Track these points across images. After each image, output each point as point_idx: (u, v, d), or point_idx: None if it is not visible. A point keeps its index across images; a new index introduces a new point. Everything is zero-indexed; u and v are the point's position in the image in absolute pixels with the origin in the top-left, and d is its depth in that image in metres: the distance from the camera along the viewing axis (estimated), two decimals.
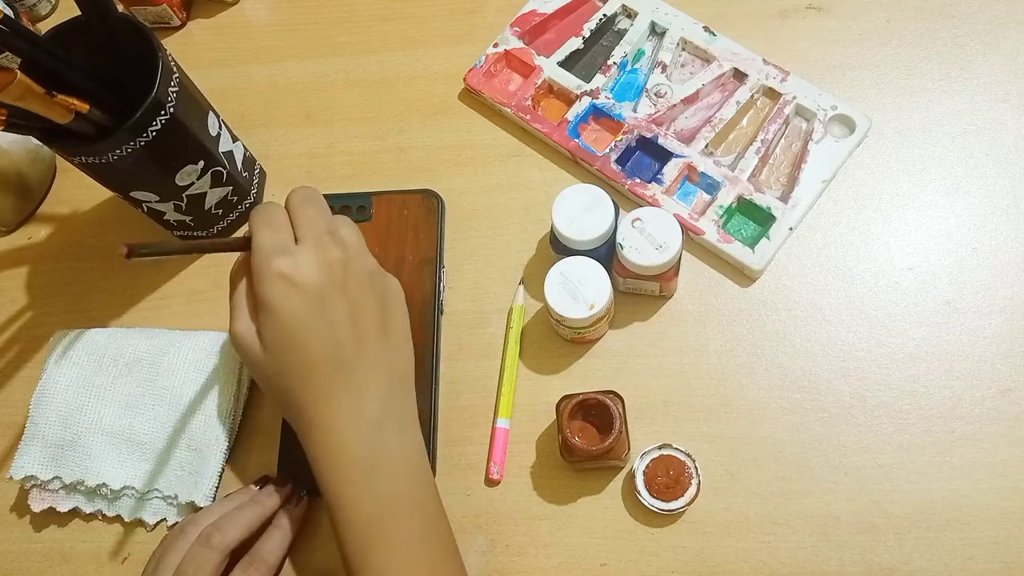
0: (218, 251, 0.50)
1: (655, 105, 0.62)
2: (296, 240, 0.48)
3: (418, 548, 0.46)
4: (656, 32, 0.65)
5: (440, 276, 0.60)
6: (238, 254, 0.50)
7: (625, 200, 0.61)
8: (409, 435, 0.49)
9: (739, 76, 0.63)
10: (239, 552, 0.50)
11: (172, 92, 0.53)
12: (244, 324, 0.47)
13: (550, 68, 0.64)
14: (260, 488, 0.53)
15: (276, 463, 0.56)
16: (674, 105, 0.62)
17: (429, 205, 0.62)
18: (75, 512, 0.57)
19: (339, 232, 0.49)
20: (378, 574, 0.45)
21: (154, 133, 0.52)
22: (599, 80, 0.63)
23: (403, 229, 0.61)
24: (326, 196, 0.62)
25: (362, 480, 0.46)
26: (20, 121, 0.50)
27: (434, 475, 0.55)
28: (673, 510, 0.51)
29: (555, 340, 0.58)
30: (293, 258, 0.46)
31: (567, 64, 0.65)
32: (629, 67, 0.64)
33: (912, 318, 0.56)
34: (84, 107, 0.51)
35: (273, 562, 0.51)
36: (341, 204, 0.62)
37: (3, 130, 0.49)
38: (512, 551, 0.53)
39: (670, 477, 0.52)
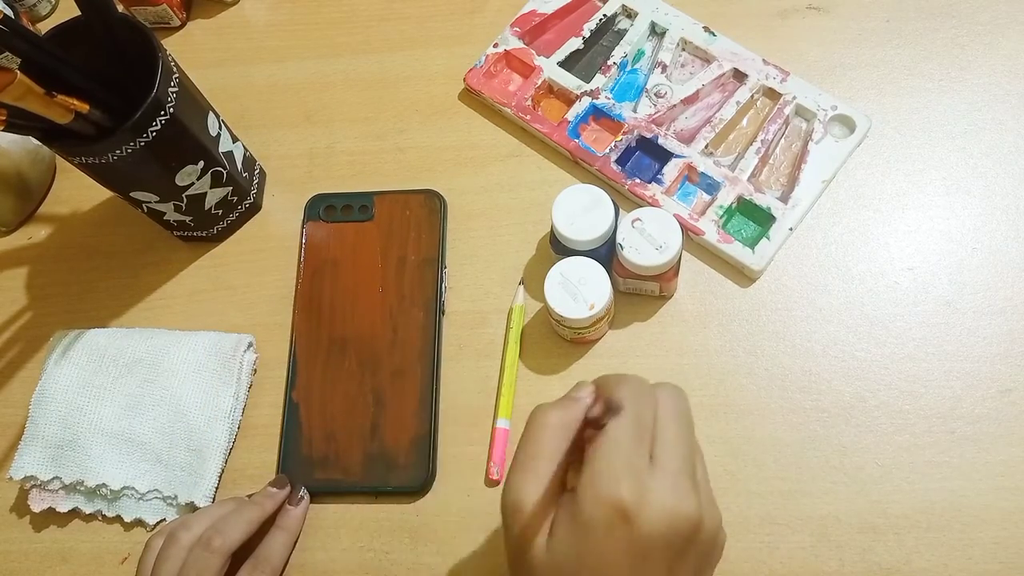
0: (567, 417, 0.39)
1: (655, 105, 0.62)
2: (652, 458, 0.38)
3: None
4: (656, 32, 0.65)
5: (442, 276, 0.60)
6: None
7: (625, 200, 0.61)
8: None
9: (739, 76, 0.63)
10: (238, 554, 0.50)
11: (172, 92, 0.53)
12: (537, 497, 0.38)
13: (550, 68, 0.64)
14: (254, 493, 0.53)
15: (276, 463, 0.56)
16: (674, 105, 0.62)
17: (431, 205, 0.62)
18: (75, 512, 0.57)
19: (698, 476, 0.39)
20: None
21: (154, 133, 0.52)
22: (599, 80, 0.63)
23: (405, 229, 0.61)
24: (328, 195, 0.63)
25: None
26: (20, 121, 0.49)
27: (434, 476, 0.55)
28: None
29: (555, 340, 0.58)
30: (644, 489, 0.36)
31: (567, 64, 0.65)
32: (629, 67, 0.64)
33: (912, 318, 0.56)
34: (84, 107, 0.51)
35: (277, 563, 0.51)
36: (343, 204, 0.62)
37: (3, 130, 0.49)
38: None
39: None
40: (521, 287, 0.59)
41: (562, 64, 0.64)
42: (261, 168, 0.66)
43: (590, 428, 0.39)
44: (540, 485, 0.38)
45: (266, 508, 0.52)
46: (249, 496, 0.54)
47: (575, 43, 0.65)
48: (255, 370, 0.60)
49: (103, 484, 0.55)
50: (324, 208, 0.62)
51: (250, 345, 0.59)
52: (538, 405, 0.40)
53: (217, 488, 0.56)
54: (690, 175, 0.60)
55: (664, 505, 0.36)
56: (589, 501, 0.36)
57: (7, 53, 0.50)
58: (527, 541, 0.38)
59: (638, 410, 0.39)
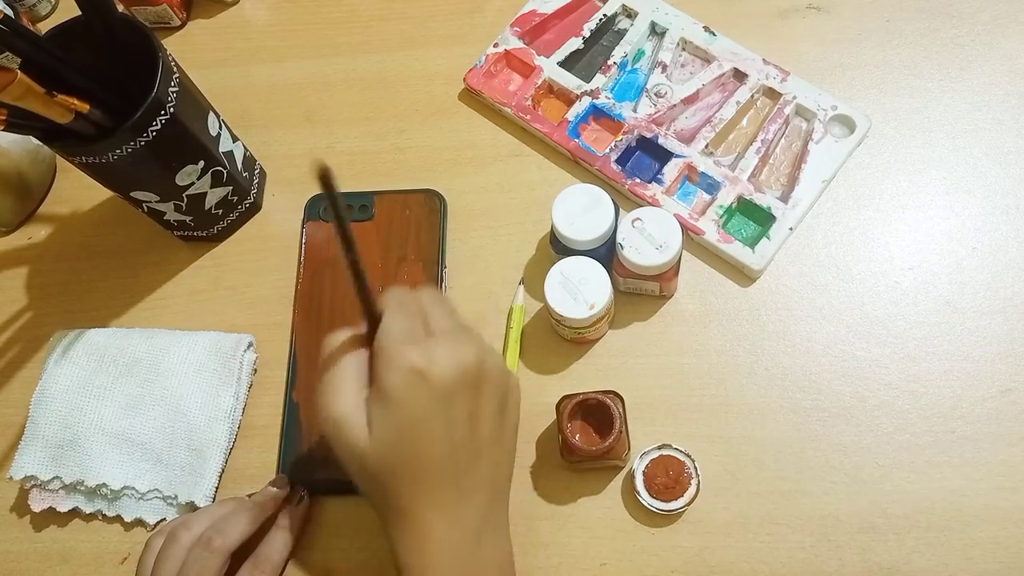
0: (362, 294, 0.44)
1: (655, 105, 0.62)
2: (428, 331, 0.45)
3: None
4: (656, 32, 0.65)
5: (442, 276, 0.60)
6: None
7: (625, 200, 0.61)
8: (504, 543, 0.46)
9: (739, 76, 0.63)
10: (238, 554, 0.50)
11: (172, 92, 0.53)
12: (351, 405, 0.43)
13: (550, 68, 0.64)
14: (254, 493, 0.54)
15: (276, 463, 0.56)
16: (674, 105, 0.62)
17: (431, 205, 0.62)
18: (75, 512, 0.57)
19: (471, 330, 0.46)
20: None
21: (154, 133, 0.52)
22: (599, 80, 0.63)
23: (405, 229, 0.61)
24: (323, 196, 0.63)
25: None
26: (20, 121, 0.49)
27: None
28: (673, 510, 0.51)
29: (555, 340, 0.58)
30: (429, 351, 0.42)
31: (567, 64, 0.65)
32: (629, 67, 0.64)
33: (912, 318, 0.56)
34: (84, 107, 0.51)
35: (277, 563, 0.51)
36: (344, 204, 0.62)
37: (3, 130, 0.49)
38: (514, 550, 0.53)
39: (670, 477, 0.52)
40: (521, 287, 0.59)
41: (562, 64, 0.64)
42: (261, 168, 0.66)
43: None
44: (350, 395, 0.43)
45: (266, 508, 0.52)
46: (249, 496, 0.54)
47: (575, 43, 0.65)
48: (255, 370, 0.60)
49: (103, 484, 0.55)
50: (324, 208, 0.62)
51: (250, 345, 0.59)
52: (328, 335, 0.45)
53: (217, 488, 0.56)
54: (690, 175, 0.60)
55: (448, 354, 0.43)
56: (386, 377, 0.42)
57: (7, 53, 0.50)
58: (354, 443, 0.43)
59: (401, 300, 0.45)
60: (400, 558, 0.44)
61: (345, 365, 0.44)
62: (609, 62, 0.64)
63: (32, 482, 0.56)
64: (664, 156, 0.61)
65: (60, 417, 0.56)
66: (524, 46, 0.65)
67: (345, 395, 0.43)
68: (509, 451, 0.47)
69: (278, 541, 0.52)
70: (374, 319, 0.44)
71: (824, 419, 0.54)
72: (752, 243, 0.58)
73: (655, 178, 0.60)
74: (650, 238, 0.53)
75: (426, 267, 0.60)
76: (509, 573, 0.46)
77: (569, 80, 0.64)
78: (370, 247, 0.61)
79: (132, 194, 0.57)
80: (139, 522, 0.56)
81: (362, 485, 0.45)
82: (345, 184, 0.64)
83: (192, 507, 0.55)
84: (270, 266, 0.63)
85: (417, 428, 0.42)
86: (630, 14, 0.66)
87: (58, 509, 0.56)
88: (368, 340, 0.45)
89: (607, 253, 0.56)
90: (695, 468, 0.52)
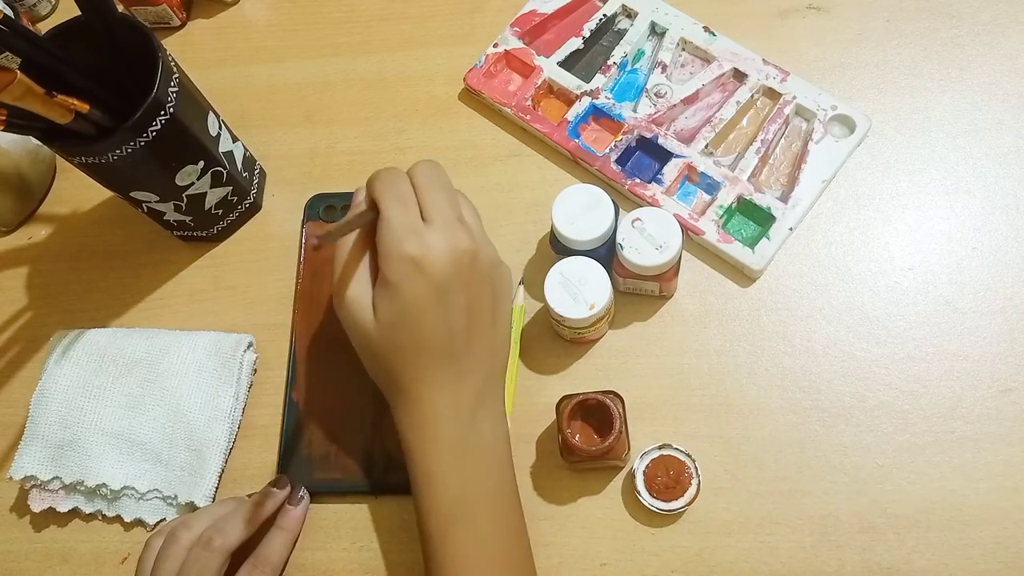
0: (352, 229, 0.49)
1: (655, 105, 0.62)
2: (424, 219, 0.47)
3: (497, 526, 0.48)
4: (656, 32, 0.65)
5: None
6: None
7: (625, 200, 0.61)
8: (499, 424, 0.50)
9: (739, 76, 0.63)
10: (238, 554, 0.50)
11: (172, 92, 0.53)
12: (360, 289, 0.48)
13: (550, 68, 0.64)
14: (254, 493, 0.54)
15: (276, 463, 0.56)
16: (674, 105, 0.62)
17: None
18: (75, 512, 0.57)
19: (465, 218, 0.49)
20: (458, 546, 0.46)
21: (154, 133, 0.52)
22: (599, 80, 0.63)
23: None
24: (328, 195, 0.63)
25: (453, 463, 0.47)
26: (20, 121, 0.49)
27: None
28: (673, 510, 0.51)
29: (555, 340, 0.58)
30: (424, 243, 0.46)
31: (567, 64, 0.65)
32: (629, 67, 0.64)
33: (912, 318, 0.56)
34: (84, 107, 0.51)
35: (277, 563, 0.51)
36: (343, 204, 0.62)
37: (3, 130, 0.49)
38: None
39: (670, 477, 0.52)
40: (521, 287, 0.59)
41: (562, 64, 0.64)
42: (261, 168, 0.66)
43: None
44: (357, 281, 0.48)
45: (266, 508, 0.52)
46: (249, 496, 0.54)
47: (575, 43, 0.65)
48: (255, 370, 0.60)
49: (103, 484, 0.55)
50: (324, 208, 0.62)
51: (250, 345, 0.59)
52: (332, 235, 0.48)
53: (217, 488, 0.56)
54: (690, 175, 0.60)
55: (443, 246, 0.46)
56: (387, 268, 0.46)
57: (7, 53, 0.50)
58: (364, 323, 0.48)
59: (396, 191, 0.47)
60: (403, 434, 0.48)
61: (354, 257, 0.48)
62: (609, 62, 0.64)
63: (32, 482, 0.56)
64: (664, 156, 0.61)
65: (60, 417, 0.56)
66: (524, 46, 0.65)
67: (355, 281, 0.48)
68: (503, 338, 0.51)
69: (278, 541, 0.52)
70: (372, 205, 0.48)
71: (824, 419, 0.54)
72: (752, 243, 0.58)
73: (655, 178, 0.60)
74: (650, 238, 0.53)
75: None
76: (504, 451, 0.50)
77: (569, 80, 0.64)
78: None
79: (132, 194, 0.57)
80: (139, 522, 0.56)
81: (370, 365, 0.50)
82: (345, 184, 0.64)
83: (192, 507, 0.55)
84: (270, 266, 0.63)
85: (416, 312, 0.46)
86: (630, 14, 0.66)
87: (58, 509, 0.56)
88: (373, 235, 0.48)
89: (607, 253, 0.56)
90: (695, 468, 0.52)
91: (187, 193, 0.58)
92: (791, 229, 0.58)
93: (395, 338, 0.47)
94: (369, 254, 0.49)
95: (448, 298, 0.47)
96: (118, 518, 0.56)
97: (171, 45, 0.71)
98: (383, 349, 0.48)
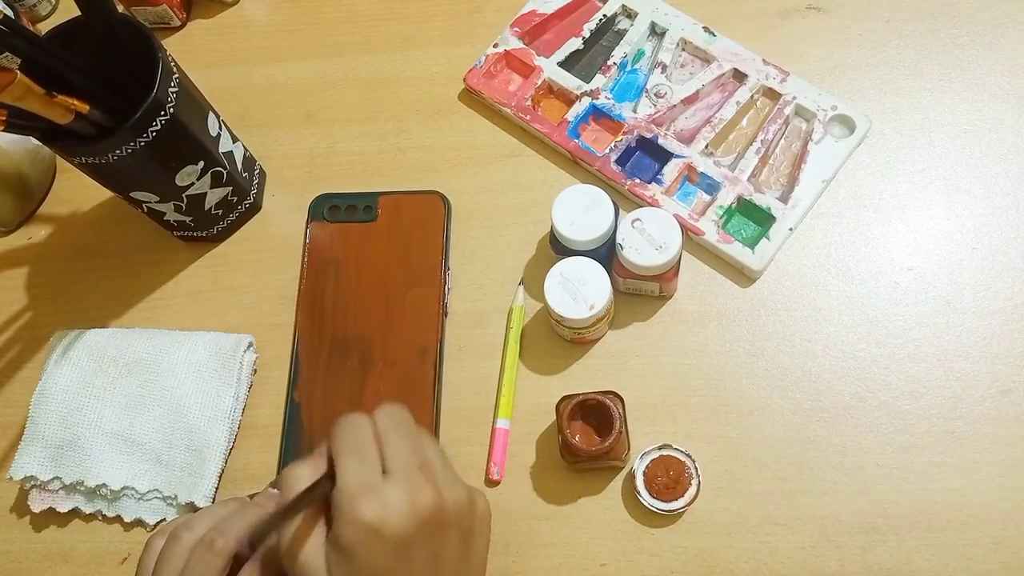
0: (305, 507, 0.43)
1: (655, 105, 0.62)
2: (384, 468, 0.43)
3: None
4: (656, 32, 0.65)
5: (446, 279, 0.60)
6: None
7: (625, 200, 0.61)
8: None
9: (739, 76, 0.63)
10: (238, 555, 0.50)
11: (172, 92, 0.53)
12: (312, 550, 0.42)
13: (550, 68, 0.64)
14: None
15: (276, 463, 0.56)
16: (674, 105, 0.62)
17: (436, 206, 0.61)
18: (75, 512, 0.57)
19: (428, 461, 0.44)
20: None
21: (154, 133, 0.52)
22: (599, 80, 0.63)
23: (409, 230, 0.61)
24: (332, 195, 0.63)
25: None
26: (20, 121, 0.49)
27: None
28: (673, 510, 0.51)
29: (555, 340, 0.58)
30: (381, 502, 0.41)
31: (567, 64, 0.65)
32: (629, 67, 0.64)
33: (912, 318, 0.56)
34: (84, 107, 0.51)
35: (280, 564, 0.51)
36: (347, 204, 0.62)
37: (3, 130, 0.49)
38: (512, 551, 0.53)
39: (670, 477, 0.52)
40: (521, 287, 0.59)
41: (562, 64, 0.64)
42: (261, 168, 0.66)
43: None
44: (314, 544, 0.42)
45: (267, 509, 0.52)
46: (250, 496, 0.54)
47: (575, 43, 0.65)
48: (255, 370, 0.60)
49: (103, 484, 0.55)
50: (328, 208, 0.62)
51: (250, 345, 0.59)
52: (288, 466, 0.44)
53: (217, 488, 0.56)
54: (690, 175, 0.60)
55: (402, 505, 0.41)
56: (341, 531, 0.41)
57: (7, 53, 0.50)
58: (313, 571, 0.42)
59: (353, 440, 0.43)
60: None
61: (305, 508, 0.43)
62: (609, 62, 0.64)
63: (32, 482, 0.56)
64: (664, 156, 0.61)
65: (60, 417, 0.56)
66: (524, 46, 0.65)
67: (307, 540, 0.43)
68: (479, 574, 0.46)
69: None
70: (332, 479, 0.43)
71: (824, 419, 0.54)
72: (752, 243, 0.58)
73: (655, 178, 0.60)
74: (650, 238, 0.53)
75: (430, 269, 0.60)
76: None
77: (569, 80, 0.64)
78: (374, 248, 0.61)
79: (132, 194, 0.57)
80: (139, 522, 0.56)
81: None
82: (345, 184, 0.64)
83: (192, 507, 0.55)
84: (270, 266, 0.63)
85: None
86: (630, 14, 0.66)
87: (58, 509, 0.56)
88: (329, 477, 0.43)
89: (607, 253, 0.56)
90: (695, 468, 0.52)
91: (187, 193, 0.58)
92: (791, 229, 0.58)
93: None
94: (322, 507, 0.43)
95: (409, 554, 0.41)
96: (118, 518, 0.56)
97: (171, 45, 0.71)
98: None
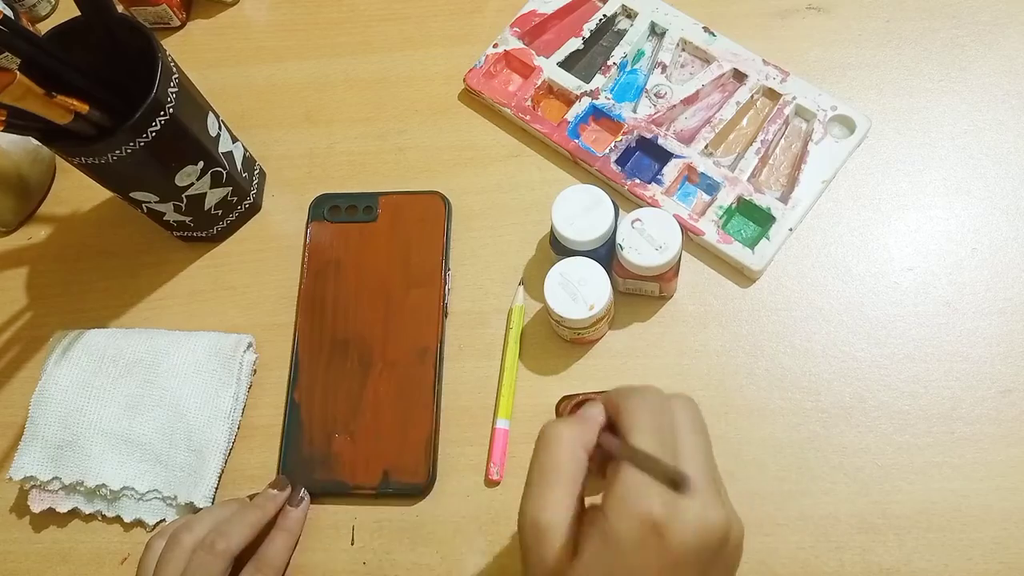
0: (627, 458, 0.37)
1: (655, 105, 0.62)
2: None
3: None
4: (656, 32, 0.65)
5: (446, 279, 0.59)
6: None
7: (625, 200, 0.61)
8: None
9: (739, 76, 0.63)
10: (240, 555, 0.50)
11: (172, 92, 0.53)
12: (559, 517, 0.37)
13: (550, 68, 0.64)
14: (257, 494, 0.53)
15: (276, 463, 0.56)
16: (674, 106, 0.62)
17: (437, 207, 0.61)
18: (74, 512, 0.57)
19: (720, 482, 0.40)
20: None
21: (154, 134, 0.52)
22: (599, 80, 0.63)
23: (410, 231, 0.61)
24: (332, 195, 0.63)
25: None
26: (20, 122, 0.50)
27: (434, 476, 0.55)
28: None
29: (555, 340, 0.58)
30: (674, 505, 0.36)
31: (567, 64, 0.65)
32: (629, 67, 0.64)
33: (912, 319, 0.56)
34: (84, 108, 0.51)
35: (279, 565, 0.51)
36: (347, 204, 0.62)
37: (3, 130, 0.49)
38: (512, 551, 0.53)
39: None
40: (521, 287, 0.59)
41: (562, 64, 0.64)
42: (261, 168, 0.66)
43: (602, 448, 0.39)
44: (562, 504, 0.37)
45: (267, 510, 0.52)
46: (250, 497, 0.54)
47: (575, 43, 0.65)
48: (255, 370, 0.60)
49: (103, 484, 0.55)
50: (328, 208, 0.62)
51: (250, 345, 0.59)
52: (548, 423, 0.39)
53: (217, 488, 0.56)
54: (690, 175, 0.60)
55: (694, 518, 0.36)
56: (619, 518, 0.36)
57: (7, 53, 0.50)
58: (554, 562, 0.37)
59: (657, 423, 0.38)
60: None
61: (563, 466, 0.38)
62: (609, 62, 0.64)
63: (32, 482, 0.56)
64: (664, 157, 0.61)
65: (60, 418, 0.56)
66: (524, 46, 0.65)
67: (555, 502, 0.38)
68: None
69: (279, 542, 0.52)
70: (615, 426, 0.39)
71: (824, 420, 0.54)
72: (752, 244, 0.58)
73: (655, 179, 0.60)
74: (650, 239, 0.53)
75: (431, 270, 0.60)
76: None
77: (569, 80, 0.64)
78: (374, 248, 0.61)
79: (132, 195, 0.57)
80: (138, 523, 0.56)
81: None
82: (345, 184, 0.64)
83: (192, 508, 0.55)
84: (270, 266, 0.63)
85: None
86: (630, 14, 0.66)
87: (57, 510, 0.56)
88: (594, 443, 0.39)
89: (607, 254, 0.55)
90: None
91: (187, 193, 0.58)
92: (791, 230, 0.58)
93: None
94: (576, 470, 0.39)
95: (679, 572, 0.36)
96: (118, 518, 0.56)
97: (171, 45, 0.71)
98: None
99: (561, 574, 0.37)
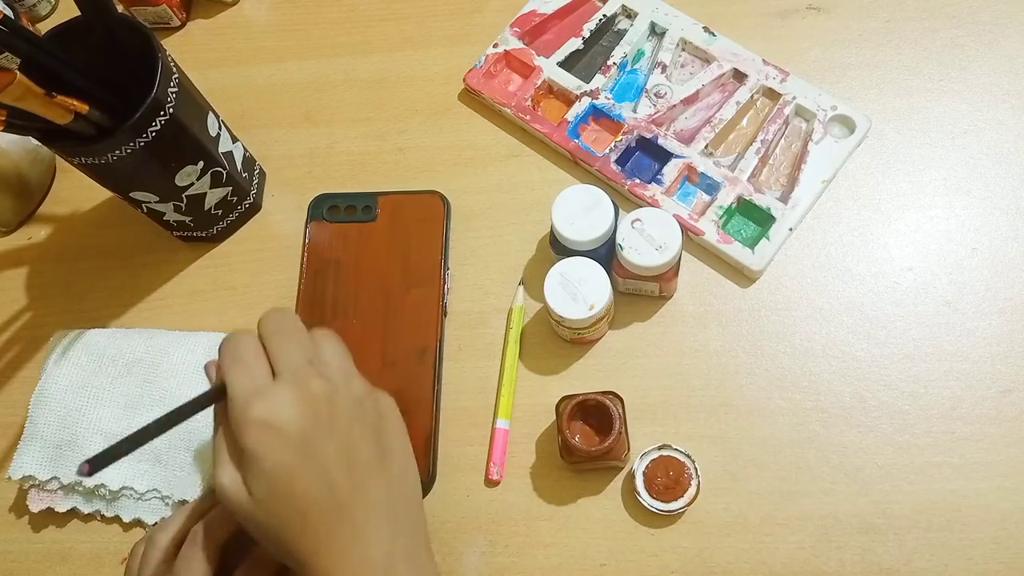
0: (188, 416, 0.43)
1: (655, 105, 0.62)
2: (273, 373, 0.43)
3: None
4: (656, 32, 0.65)
5: (446, 278, 0.59)
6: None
7: (625, 200, 0.61)
8: (422, 570, 0.43)
9: (739, 76, 0.63)
10: (236, 555, 0.49)
11: (172, 92, 0.53)
12: (228, 475, 0.42)
13: (550, 68, 0.64)
14: None
15: None
16: (674, 105, 0.62)
17: (435, 206, 0.61)
18: (73, 512, 0.57)
19: (320, 357, 0.44)
20: None
21: (154, 134, 0.52)
22: (599, 80, 0.63)
23: (409, 230, 0.61)
24: (332, 195, 0.63)
25: None
26: (20, 122, 0.49)
27: (434, 476, 0.55)
28: (673, 511, 0.51)
29: (555, 340, 0.58)
30: (270, 401, 0.41)
31: (567, 64, 0.65)
32: (629, 67, 0.64)
33: (912, 318, 0.56)
34: (83, 108, 0.51)
35: (275, 561, 0.50)
36: (346, 204, 0.62)
37: (3, 130, 0.49)
38: (512, 551, 0.53)
39: (670, 478, 0.52)
40: (521, 287, 0.59)
41: (562, 64, 0.64)
42: (261, 168, 0.66)
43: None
44: (225, 464, 0.42)
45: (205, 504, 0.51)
46: None
47: (575, 43, 0.65)
48: None
49: (101, 484, 0.55)
50: (328, 208, 0.62)
51: None
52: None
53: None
54: (690, 175, 0.60)
55: (291, 398, 0.41)
56: (242, 440, 0.41)
57: (7, 53, 0.50)
58: (243, 507, 0.41)
59: (236, 354, 0.43)
60: None
61: (220, 434, 0.43)
62: (609, 62, 0.64)
63: (30, 482, 0.56)
64: (664, 156, 0.61)
65: (59, 417, 0.56)
66: (524, 46, 0.65)
67: (225, 465, 0.42)
68: (401, 473, 0.44)
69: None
70: (223, 391, 0.43)
71: (824, 420, 0.54)
72: (752, 244, 0.58)
73: (655, 178, 0.60)
74: (650, 239, 0.53)
75: (430, 269, 0.60)
76: None
77: (569, 80, 0.64)
78: (373, 248, 0.61)
79: (132, 194, 0.57)
80: (138, 522, 0.56)
81: (265, 545, 0.43)
82: (345, 184, 0.64)
83: None
84: (270, 266, 0.63)
85: (286, 479, 0.41)
86: (630, 14, 0.66)
87: (56, 509, 0.56)
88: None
89: (607, 253, 0.55)
90: (695, 468, 0.52)
91: (187, 193, 0.58)
92: (791, 229, 0.58)
93: (276, 512, 0.41)
94: (228, 432, 0.43)
95: (314, 451, 0.41)
96: (117, 518, 0.56)
97: (171, 45, 0.71)
98: (270, 527, 0.41)
99: (250, 513, 0.41)
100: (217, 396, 0.43)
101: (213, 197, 0.60)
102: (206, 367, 0.47)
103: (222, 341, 0.45)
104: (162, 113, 0.52)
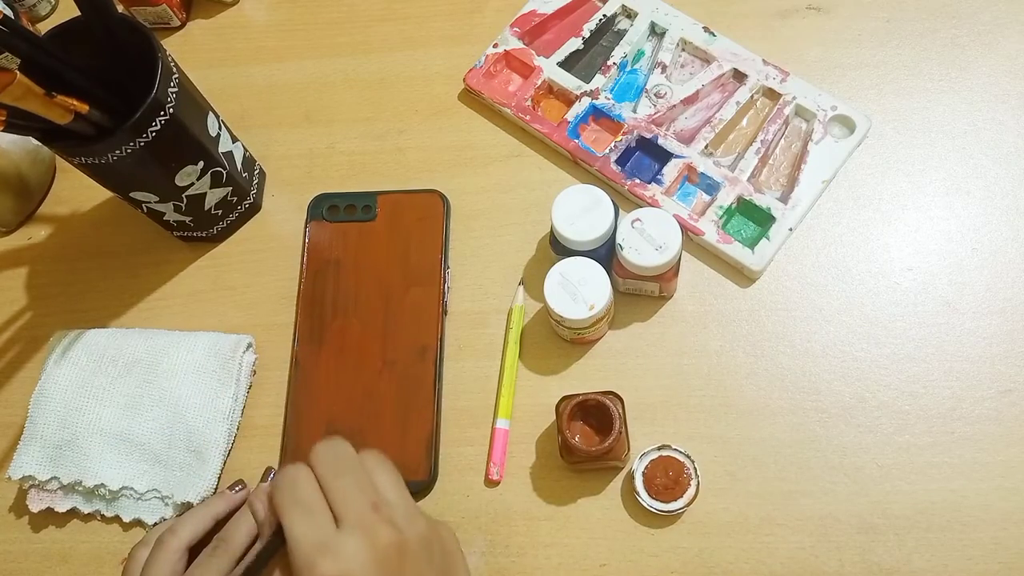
0: (259, 570, 0.42)
1: (655, 105, 0.62)
2: (335, 518, 0.41)
3: None
4: (656, 32, 0.65)
5: (445, 277, 0.59)
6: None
7: (625, 200, 0.61)
8: None
9: (739, 76, 0.63)
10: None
11: (172, 92, 0.53)
12: None
13: (550, 68, 0.64)
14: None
15: (276, 464, 0.56)
16: (674, 105, 0.62)
17: (435, 205, 0.61)
18: (73, 512, 0.57)
19: (383, 496, 0.43)
20: None
21: (154, 134, 0.52)
22: (599, 80, 0.63)
23: (408, 229, 0.61)
24: (331, 195, 0.63)
25: None
26: (20, 122, 0.49)
27: (434, 476, 0.55)
28: (672, 511, 0.51)
29: (555, 340, 0.58)
30: (340, 557, 0.39)
31: (567, 64, 0.65)
32: (629, 67, 0.64)
33: (912, 319, 0.56)
34: (84, 108, 0.51)
35: (238, 545, 0.47)
36: (346, 204, 0.62)
37: (3, 130, 0.48)
38: (512, 551, 0.53)
39: (669, 478, 0.52)
40: (521, 287, 0.59)
41: (562, 64, 0.64)
42: (261, 168, 0.66)
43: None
44: None
45: (233, 499, 0.50)
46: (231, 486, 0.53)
47: (575, 43, 0.65)
48: (254, 371, 0.60)
49: (101, 484, 0.55)
50: (327, 208, 0.62)
51: (249, 346, 0.59)
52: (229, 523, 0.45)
53: (216, 489, 0.56)
54: (690, 175, 0.60)
55: (361, 553, 0.39)
56: None
57: (7, 53, 0.50)
58: None
59: (295, 496, 0.41)
60: None
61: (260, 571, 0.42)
62: (609, 62, 0.64)
63: (30, 482, 0.56)
64: (664, 156, 0.61)
65: (59, 417, 0.56)
66: (524, 46, 0.65)
67: None
68: None
69: (241, 524, 0.48)
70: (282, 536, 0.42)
71: (824, 420, 0.54)
72: (752, 244, 0.58)
73: (655, 179, 0.60)
74: (649, 239, 0.53)
75: (430, 268, 0.60)
76: None
77: (569, 80, 0.64)
78: (372, 248, 0.61)
79: (132, 195, 0.57)
80: (137, 522, 0.56)
81: None
82: (345, 184, 0.64)
83: (190, 508, 0.55)
84: (270, 266, 0.63)
85: None
86: (630, 14, 0.66)
87: (56, 509, 0.56)
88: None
89: (607, 254, 0.55)
90: (695, 469, 0.52)
91: (187, 193, 0.58)
92: (791, 230, 0.58)
93: None
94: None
95: None
96: (116, 518, 0.56)
97: (171, 45, 0.71)
98: None
99: None
100: (278, 543, 0.41)
101: (213, 197, 0.60)
102: (250, 501, 0.46)
103: (275, 476, 0.43)
104: (162, 113, 0.52)
